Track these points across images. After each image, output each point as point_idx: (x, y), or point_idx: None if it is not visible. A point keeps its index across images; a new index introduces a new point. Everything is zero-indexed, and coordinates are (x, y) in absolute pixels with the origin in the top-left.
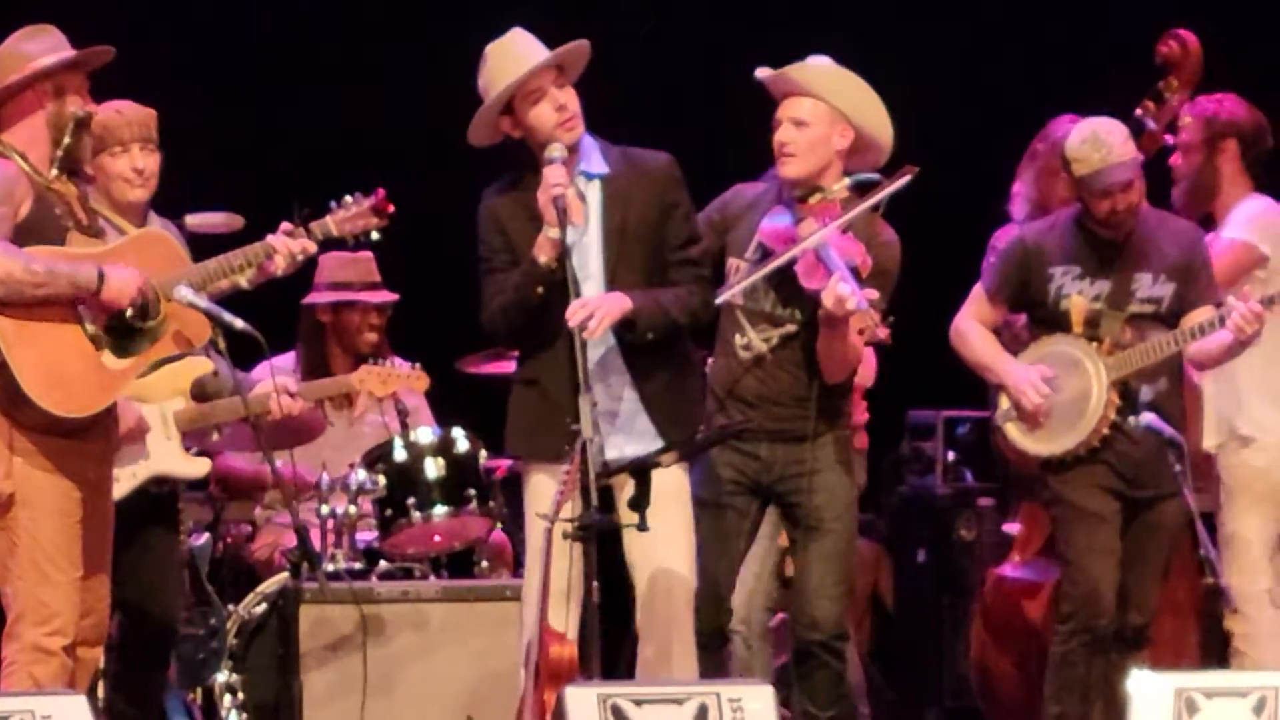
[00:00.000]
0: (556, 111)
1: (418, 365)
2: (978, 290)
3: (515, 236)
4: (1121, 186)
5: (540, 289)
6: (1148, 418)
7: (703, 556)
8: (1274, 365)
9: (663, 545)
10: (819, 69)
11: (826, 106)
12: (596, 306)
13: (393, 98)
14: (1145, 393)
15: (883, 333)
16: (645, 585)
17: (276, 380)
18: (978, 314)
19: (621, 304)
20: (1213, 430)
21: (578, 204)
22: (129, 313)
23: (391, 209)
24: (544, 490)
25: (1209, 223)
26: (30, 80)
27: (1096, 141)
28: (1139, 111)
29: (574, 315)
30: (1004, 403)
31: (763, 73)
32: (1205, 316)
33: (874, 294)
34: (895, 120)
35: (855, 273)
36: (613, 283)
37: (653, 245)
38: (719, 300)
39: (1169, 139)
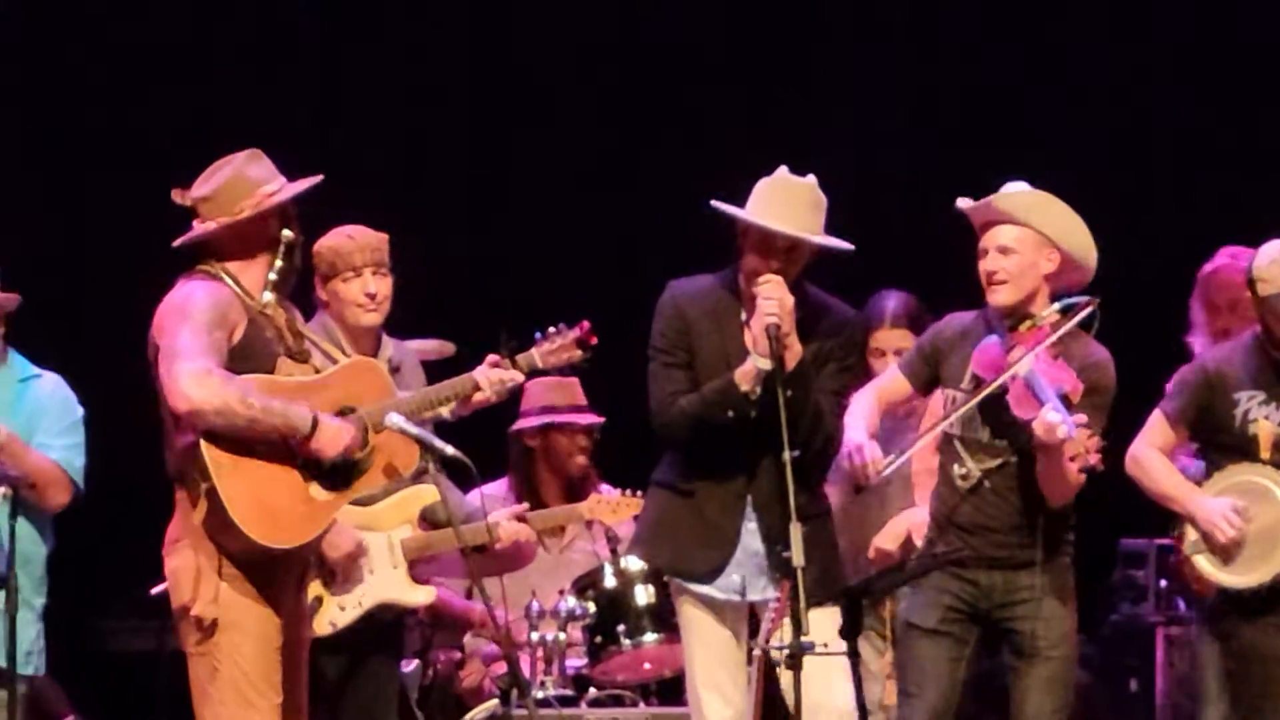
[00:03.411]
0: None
1: (642, 493)
2: (1157, 417)
3: (698, 340)
4: None
5: (732, 413)
6: None
7: (924, 684)
8: None
9: (824, 674)
10: (1020, 195)
11: (1033, 232)
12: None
13: (598, 224)
14: None
15: (1094, 459)
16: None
17: (510, 506)
18: (1157, 441)
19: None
20: None
21: (798, 347)
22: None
23: (595, 340)
24: (701, 617)
25: None
26: (267, 211)
27: None
28: None
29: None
30: (1191, 534)
31: (963, 203)
32: None
33: (1083, 419)
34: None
35: (1065, 399)
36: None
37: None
38: (939, 429)
39: None
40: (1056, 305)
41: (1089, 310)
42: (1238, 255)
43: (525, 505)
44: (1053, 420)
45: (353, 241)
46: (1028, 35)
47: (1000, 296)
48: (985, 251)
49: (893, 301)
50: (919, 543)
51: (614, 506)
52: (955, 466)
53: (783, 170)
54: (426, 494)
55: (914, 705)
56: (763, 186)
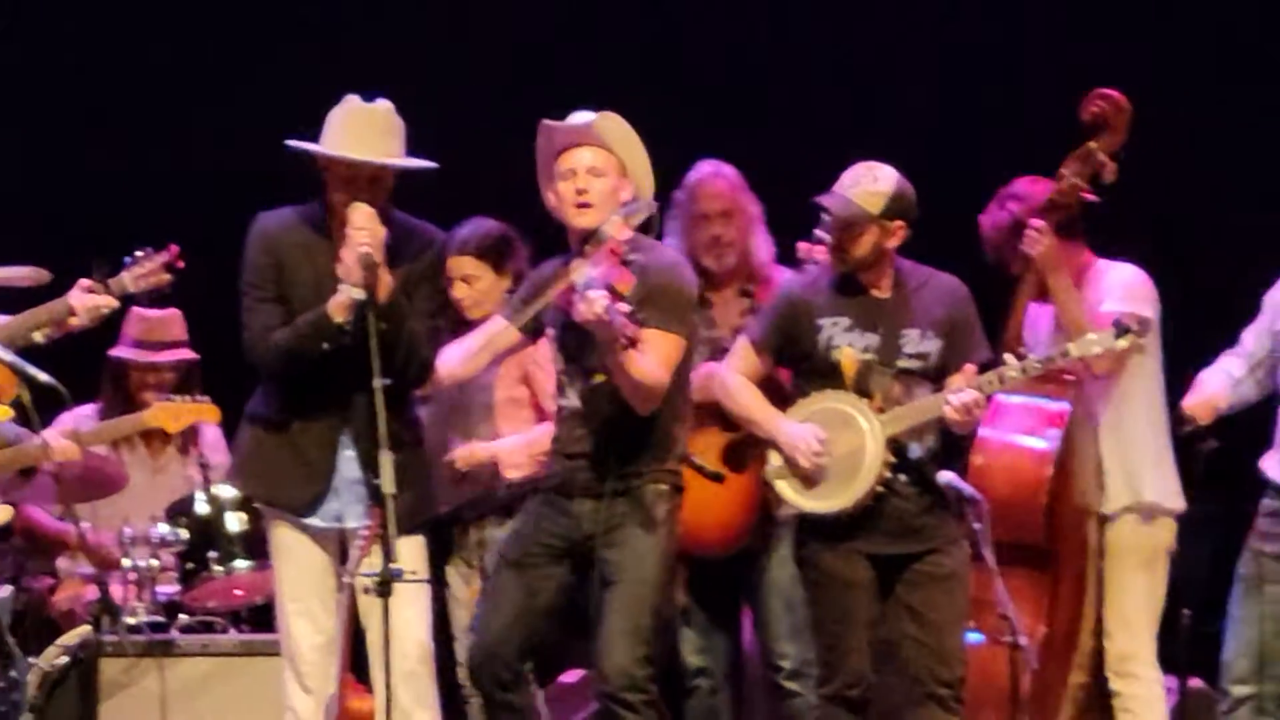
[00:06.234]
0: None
1: (208, 399)
2: (742, 342)
3: (290, 274)
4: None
5: (326, 345)
6: (947, 475)
7: (494, 610)
8: (1159, 431)
9: (403, 605)
10: (615, 121)
11: (617, 159)
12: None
13: (200, 147)
14: (914, 450)
15: (630, 331)
16: (383, 642)
17: (58, 426)
18: (743, 366)
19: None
20: (1118, 493)
21: (388, 278)
22: None
23: (182, 265)
24: (292, 544)
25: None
26: None
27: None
28: (1064, 171)
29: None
30: (774, 459)
31: (580, 120)
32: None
33: (625, 308)
34: None
35: (612, 290)
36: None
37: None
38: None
39: (1087, 195)
40: (617, 214)
41: (648, 214)
42: (721, 167)
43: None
44: (592, 296)
45: None
46: None
47: (587, 219)
48: (572, 172)
49: (467, 229)
50: (506, 472)
51: (175, 413)
52: (560, 399)
53: (354, 99)
54: None
55: (481, 627)
56: (338, 117)
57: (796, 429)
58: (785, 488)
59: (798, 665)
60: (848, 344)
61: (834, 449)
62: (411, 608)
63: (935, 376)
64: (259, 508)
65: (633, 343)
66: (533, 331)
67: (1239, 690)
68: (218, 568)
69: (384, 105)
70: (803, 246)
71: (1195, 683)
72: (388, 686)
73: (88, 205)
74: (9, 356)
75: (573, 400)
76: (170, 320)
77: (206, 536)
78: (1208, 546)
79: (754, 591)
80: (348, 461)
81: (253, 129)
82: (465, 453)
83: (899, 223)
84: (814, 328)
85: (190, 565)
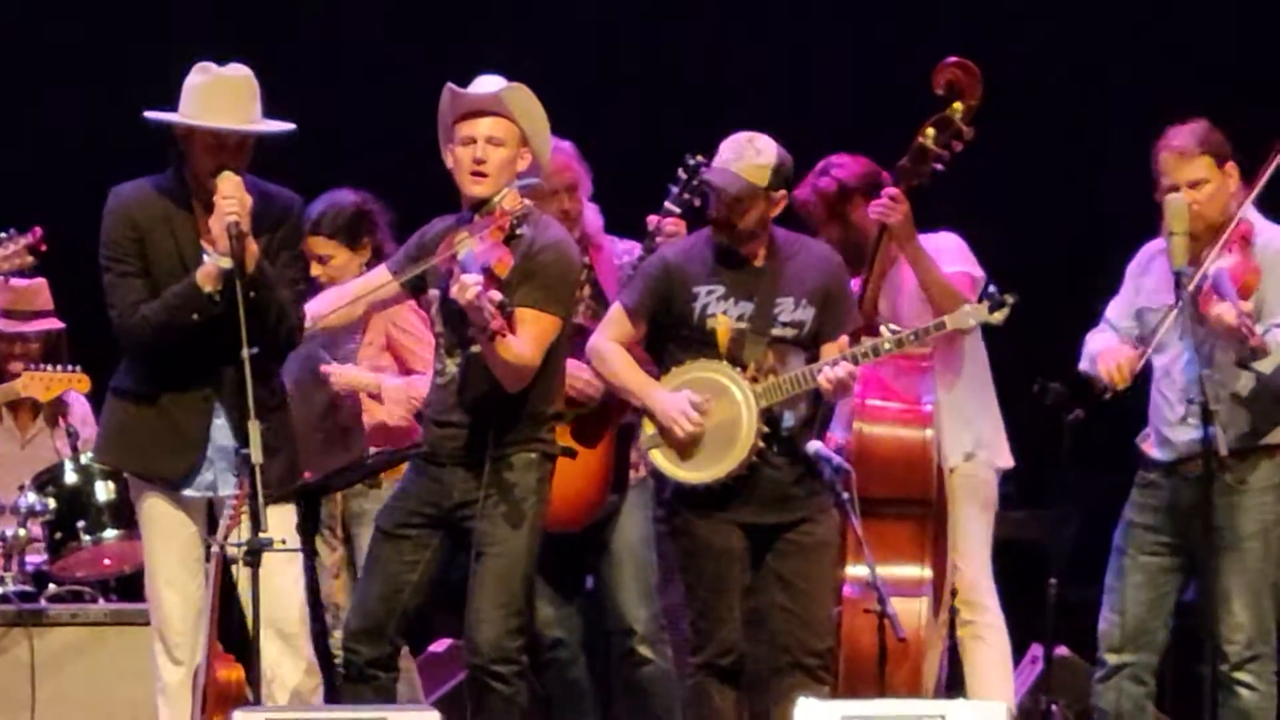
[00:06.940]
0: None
1: (78, 368)
2: (616, 309)
3: (151, 246)
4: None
5: (197, 315)
6: (815, 445)
7: (371, 580)
8: (991, 389)
9: (280, 569)
10: (521, 92)
11: (518, 129)
12: (243, 199)
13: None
14: (787, 419)
15: (495, 324)
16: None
17: None
18: (616, 334)
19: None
20: (959, 445)
21: (254, 247)
22: None
23: (45, 248)
24: (161, 514)
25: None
26: None
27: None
28: (921, 139)
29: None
30: (648, 428)
31: (489, 85)
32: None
33: (497, 296)
34: None
35: (489, 273)
36: None
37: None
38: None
39: (938, 167)
40: (512, 186)
41: (536, 185)
42: (559, 142)
43: None
44: (466, 281)
45: None
46: None
47: (481, 188)
48: (472, 140)
49: (319, 206)
50: (381, 413)
51: (47, 382)
52: (437, 365)
53: (210, 65)
54: None
55: (360, 599)
56: (196, 85)
57: (671, 399)
58: (660, 457)
59: (649, 631)
60: (723, 312)
61: (709, 419)
62: (288, 572)
63: (808, 345)
64: (128, 478)
65: (498, 335)
66: (414, 288)
67: (1113, 659)
68: (86, 537)
69: (242, 70)
70: (652, 220)
71: (1061, 651)
72: (257, 653)
73: None
74: None
75: (449, 367)
76: (37, 289)
77: (75, 506)
78: (1074, 516)
79: (604, 558)
80: (220, 430)
81: (110, 98)
82: (343, 376)
83: (782, 193)
84: (689, 295)
85: (58, 535)
